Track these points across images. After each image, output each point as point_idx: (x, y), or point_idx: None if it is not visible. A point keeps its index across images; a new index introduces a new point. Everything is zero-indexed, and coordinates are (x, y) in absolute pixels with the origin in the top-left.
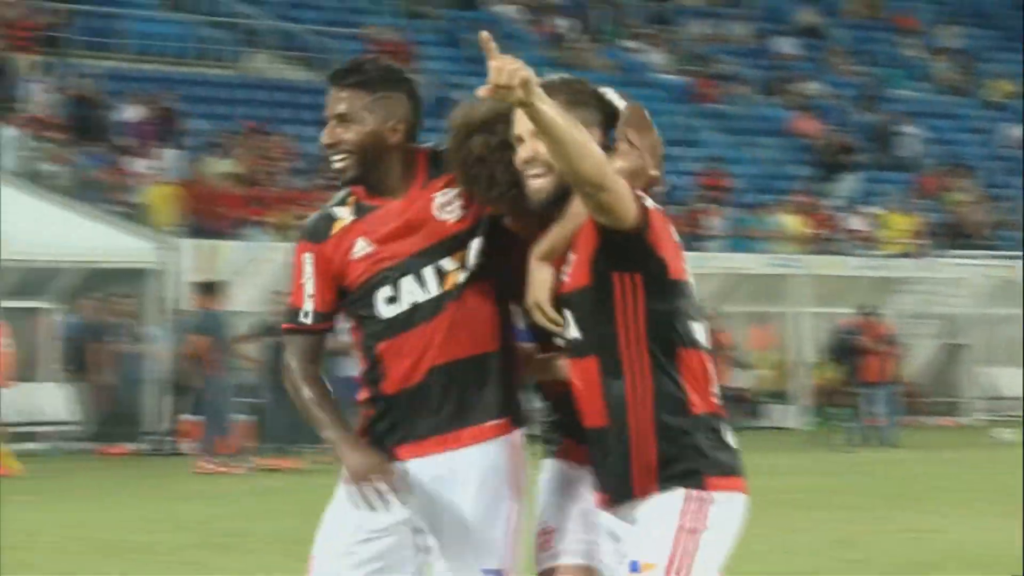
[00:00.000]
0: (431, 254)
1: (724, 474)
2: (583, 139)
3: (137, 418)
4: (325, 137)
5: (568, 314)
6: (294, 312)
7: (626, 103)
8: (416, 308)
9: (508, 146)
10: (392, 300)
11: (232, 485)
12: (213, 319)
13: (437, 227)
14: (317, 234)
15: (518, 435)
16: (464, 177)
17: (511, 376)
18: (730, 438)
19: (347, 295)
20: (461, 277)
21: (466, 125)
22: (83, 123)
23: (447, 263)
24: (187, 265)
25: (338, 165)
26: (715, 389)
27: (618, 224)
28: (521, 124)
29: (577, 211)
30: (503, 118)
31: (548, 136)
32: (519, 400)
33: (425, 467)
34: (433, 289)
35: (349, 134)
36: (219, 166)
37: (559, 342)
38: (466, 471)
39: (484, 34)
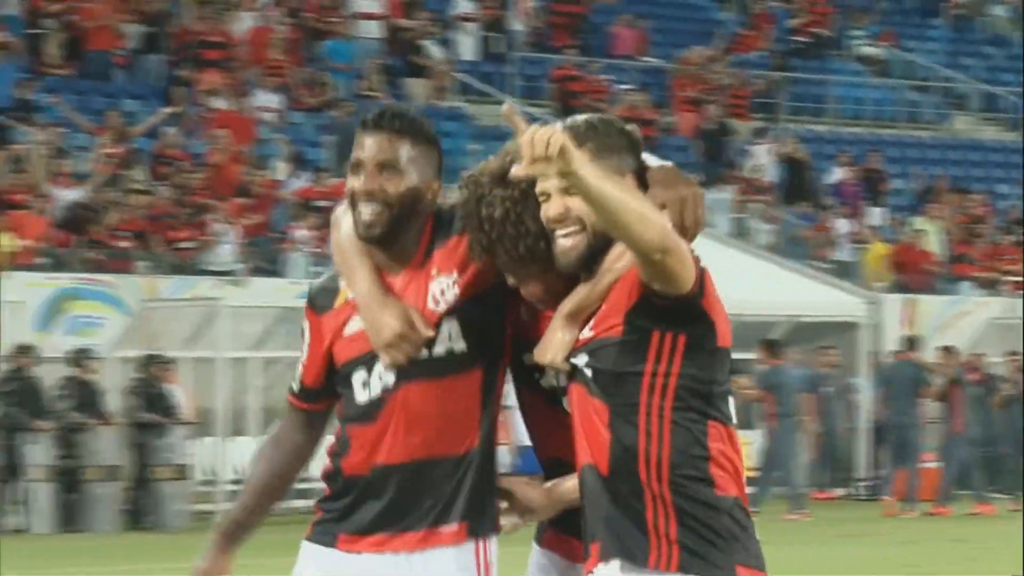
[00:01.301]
0: None
1: (753, 567)
2: (638, 203)
3: (846, 464)
4: (363, 183)
5: (581, 362)
6: (293, 382)
7: (659, 164)
8: (384, 398)
9: (531, 195)
10: (365, 385)
11: (925, 529)
12: (910, 368)
13: (426, 318)
14: (318, 304)
15: (486, 546)
16: (487, 241)
17: (488, 478)
18: (753, 528)
19: (335, 373)
20: (426, 365)
21: (477, 184)
22: (792, 184)
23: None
24: (891, 319)
25: (367, 217)
26: (742, 472)
27: (675, 290)
28: (546, 179)
29: (611, 267)
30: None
31: (600, 208)
32: (493, 505)
33: (367, 564)
34: (402, 377)
35: (391, 185)
36: (921, 224)
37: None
38: None
39: (506, 107)
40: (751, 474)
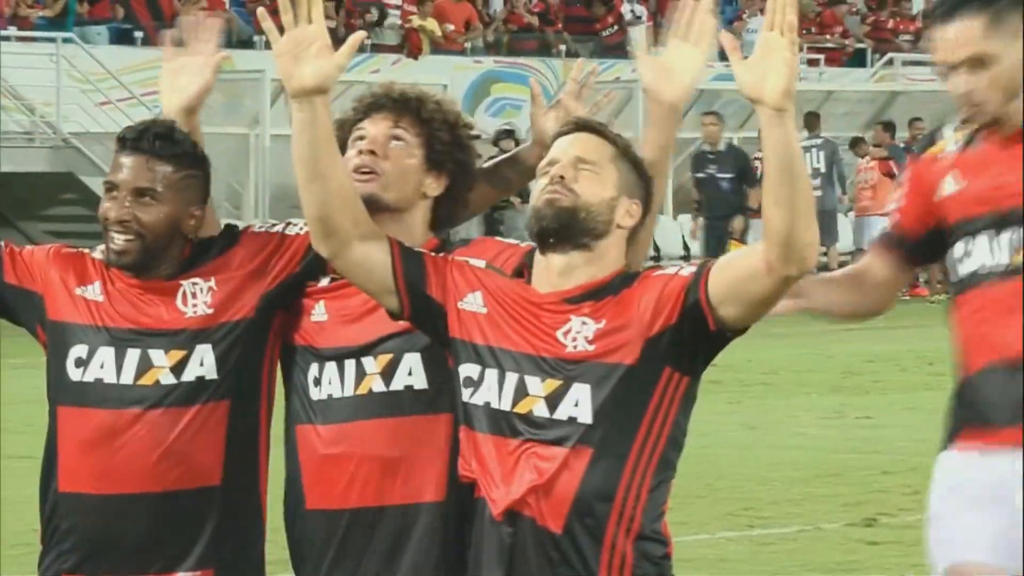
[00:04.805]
0: (143, 337)
1: None
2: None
3: None
4: (112, 210)
5: (569, 390)
6: None
7: None
8: (101, 386)
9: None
10: (80, 363)
11: None
12: None
13: (167, 313)
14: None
15: None
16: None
17: (245, 520)
18: None
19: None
20: (164, 380)
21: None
22: None
23: (156, 356)
24: None
25: (119, 244)
26: None
27: (742, 322)
28: (570, 149)
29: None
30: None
31: (788, 167)
32: (240, 553)
33: None
34: (127, 376)
35: (146, 213)
36: None
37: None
38: None
39: None
40: None
